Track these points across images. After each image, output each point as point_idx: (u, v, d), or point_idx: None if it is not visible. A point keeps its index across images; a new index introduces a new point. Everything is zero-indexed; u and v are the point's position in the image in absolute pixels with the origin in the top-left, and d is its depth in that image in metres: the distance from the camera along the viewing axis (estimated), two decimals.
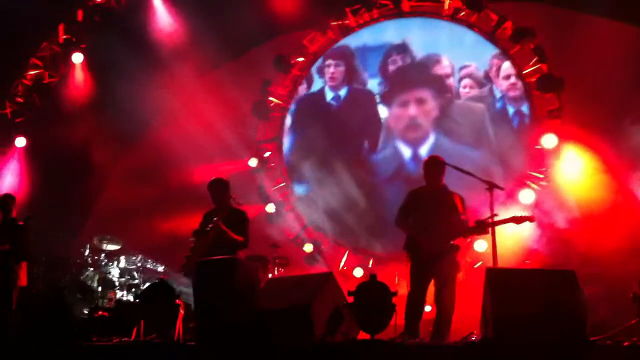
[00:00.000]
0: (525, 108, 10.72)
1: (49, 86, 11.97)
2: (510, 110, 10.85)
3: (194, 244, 7.31)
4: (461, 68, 11.22)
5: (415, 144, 11.30)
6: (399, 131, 11.48)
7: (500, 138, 10.60)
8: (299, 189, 11.90)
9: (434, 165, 7.16)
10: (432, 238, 6.77)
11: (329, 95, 12.18)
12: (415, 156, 11.18)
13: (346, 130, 11.71)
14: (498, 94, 10.97)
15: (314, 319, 6.04)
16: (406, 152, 11.36)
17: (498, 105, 10.96)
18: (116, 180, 12.47)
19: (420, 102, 11.37)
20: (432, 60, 11.47)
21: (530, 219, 6.91)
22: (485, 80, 11.04)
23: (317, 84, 12.36)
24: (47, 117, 11.64)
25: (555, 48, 10.27)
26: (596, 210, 9.07)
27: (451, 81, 11.27)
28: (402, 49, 11.67)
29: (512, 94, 10.82)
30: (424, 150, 11.11)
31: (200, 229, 7.38)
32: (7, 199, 8.29)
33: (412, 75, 11.60)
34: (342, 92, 12.10)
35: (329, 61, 12.23)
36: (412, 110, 11.36)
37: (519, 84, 10.76)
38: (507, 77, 10.86)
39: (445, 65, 11.34)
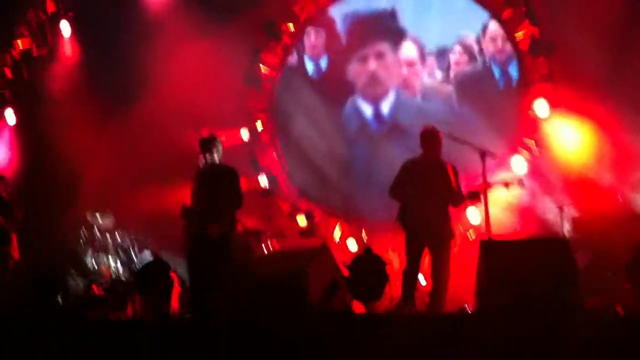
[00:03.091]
0: (513, 70, 10.59)
1: (38, 58, 11.77)
2: (496, 72, 10.71)
3: (186, 221, 7.12)
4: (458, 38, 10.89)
5: (375, 101, 11.16)
6: (359, 88, 11.29)
7: (485, 101, 10.41)
8: (290, 160, 11.71)
9: (432, 137, 7.19)
10: (427, 207, 6.81)
11: (309, 66, 11.85)
12: (377, 114, 11.11)
13: (329, 99, 11.41)
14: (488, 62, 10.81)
15: (310, 285, 6.09)
16: (367, 110, 11.23)
17: (481, 68, 10.77)
18: (106, 151, 12.23)
19: (379, 56, 11.14)
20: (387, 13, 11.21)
21: (520, 182, 7.00)
22: (478, 53, 10.79)
23: (295, 55, 11.99)
24: (35, 91, 11.45)
25: (548, 12, 10.18)
26: (589, 177, 9.09)
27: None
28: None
29: (499, 56, 10.65)
30: (385, 108, 11.04)
31: (186, 210, 7.11)
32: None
33: (369, 28, 11.30)
34: (323, 62, 11.79)
35: (309, 29, 11.82)
36: (372, 65, 11.15)
37: (507, 47, 10.61)
38: (494, 39, 10.67)
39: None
